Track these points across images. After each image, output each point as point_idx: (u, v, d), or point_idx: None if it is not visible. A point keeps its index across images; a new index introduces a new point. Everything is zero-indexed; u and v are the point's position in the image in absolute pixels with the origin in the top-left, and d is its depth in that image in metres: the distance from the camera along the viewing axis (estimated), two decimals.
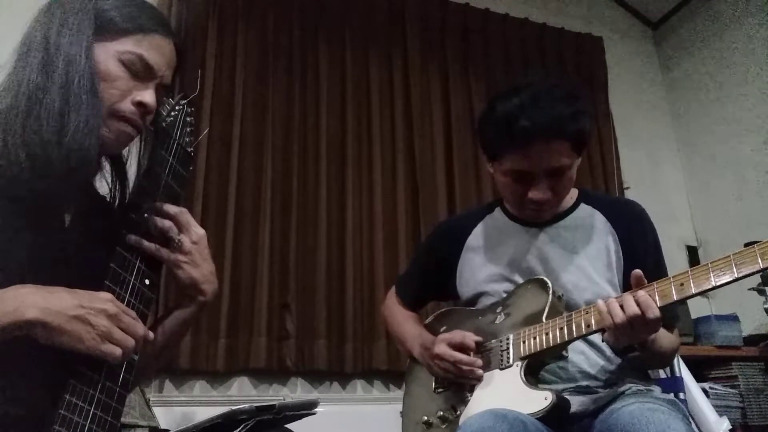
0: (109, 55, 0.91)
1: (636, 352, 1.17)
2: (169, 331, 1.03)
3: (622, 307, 1.12)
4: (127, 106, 0.92)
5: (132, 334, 0.84)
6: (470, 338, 1.33)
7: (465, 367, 1.30)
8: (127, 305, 0.88)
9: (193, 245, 0.98)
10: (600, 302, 1.16)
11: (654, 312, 1.09)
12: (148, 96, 0.93)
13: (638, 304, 1.10)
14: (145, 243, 0.94)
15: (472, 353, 1.32)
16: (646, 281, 1.14)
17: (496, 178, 1.40)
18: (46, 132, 0.84)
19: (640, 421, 1.02)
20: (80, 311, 0.79)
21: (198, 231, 1.00)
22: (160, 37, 0.96)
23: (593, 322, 1.19)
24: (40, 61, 0.87)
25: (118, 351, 0.82)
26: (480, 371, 1.30)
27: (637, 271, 1.15)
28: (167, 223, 0.97)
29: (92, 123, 0.86)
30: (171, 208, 0.98)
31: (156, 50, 0.95)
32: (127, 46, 0.92)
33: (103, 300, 0.82)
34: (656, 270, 1.27)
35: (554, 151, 1.26)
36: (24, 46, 0.90)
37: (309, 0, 3.01)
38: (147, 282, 0.93)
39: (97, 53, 0.90)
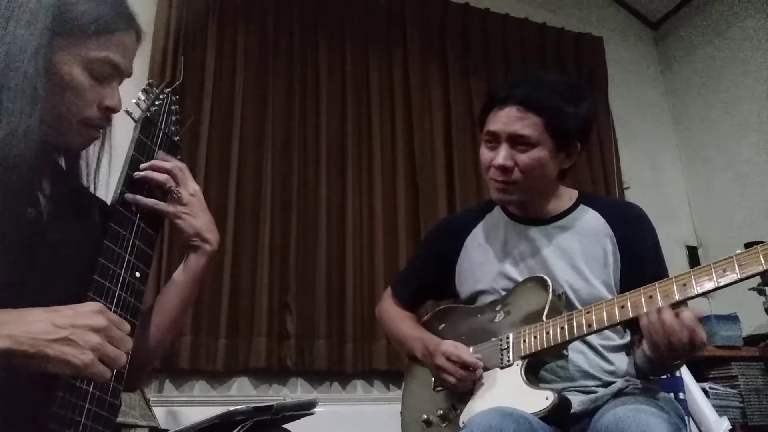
0: (74, 62, 0.86)
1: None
2: (181, 290, 1.02)
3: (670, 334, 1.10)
4: (94, 113, 0.89)
5: (123, 348, 0.77)
6: (469, 358, 1.31)
7: (464, 375, 1.30)
8: (118, 299, 0.87)
9: (191, 197, 0.99)
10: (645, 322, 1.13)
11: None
12: (115, 99, 0.91)
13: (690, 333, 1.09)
14: (143, 199, 0.94)
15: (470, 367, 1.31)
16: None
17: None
18: None
19: (623, 423, 1.03)
20: (62, 332, 0.71)
21: (194, 185, 1.01)
22: (125, 33, 0.91)
23: (594, 321, 1.19)
24: None
25: (108, 373, 0.75)
26: (480, 364, 1.30)
27: None
28: (163, 177, 0.96)
29: (27, 128, 0.80)
30: (165, 163, 0.98)
31: (121, 49, 0.91)
32: (93, 50, 0.87)
33: (90, 314, 0.75)
34: (656, 273, 1.27)
35: (522, 120, 1.30)
36: None
37: (309, 0, 3.01)
38: (137, 274, 0.91)
39: (60, 61, 0.85)
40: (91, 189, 1.00)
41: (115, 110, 0.92)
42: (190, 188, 1.00)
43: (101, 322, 0.74)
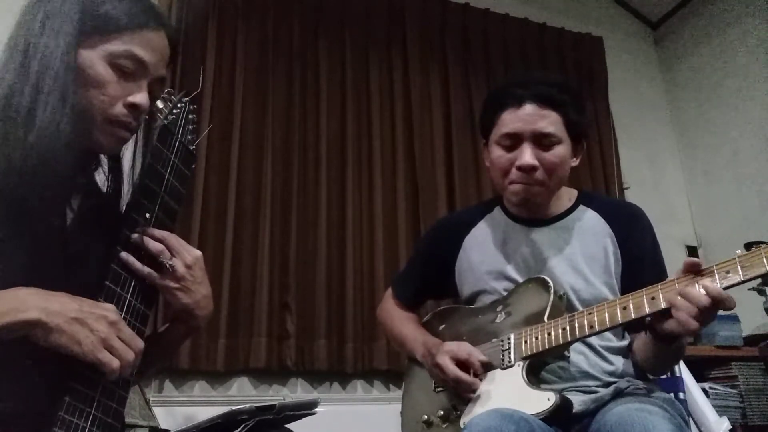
0: (97, 58, 0.88)
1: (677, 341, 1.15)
2: (159, 350, 1.02)
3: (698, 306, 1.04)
4: (119, 110, 0.89)
5: (132, 347, 0.82)
6: (476, 357, 1.29)
7: (462, 386, 1.29)
8: (128, 306, 0.87)
9: (186, 270, 0.93)
10: (680, 301, 1.07)
11: (730, 303, 1.03)
12: (140, 97, 0.90)
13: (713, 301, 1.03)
14: (138, 266, 0.90)
15: (473, 372, 1.29)
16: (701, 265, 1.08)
17: (491, 158, 1.38)
18: (13, 133, 0.81)
19: (626, 422, 1.03)
20: (80, 314, 0.78)
21: (193, 253, 0.95)
22: (152, 31, 0.92)
23: (596, 322, 1.19)
24: (19, 63, 0.85)
25: (116, 362, 0.79)
26: (478, 383, 1.28)
27: (690, 260, 1.09)
28: (159, 247, 0.91)
29: (58, 125, 0.82)
30: (160, 232, 0.93)
31: (148, 46, 0.91)
32: (117, 45, 0.88)
33: (105, 308, 0.82)
34: (656, 273, 1.27)
35: (544, 117, 1.29)
36: (8, 48, 0.87)
37: (309, 0, 3.01)
38: (143, 298, 0.91)
39: (84, 57, 0.87)
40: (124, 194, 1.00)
41: (140, 108, 0.91)
42: (188, 259, 0.94)
43: (114, 317, 0.81)
